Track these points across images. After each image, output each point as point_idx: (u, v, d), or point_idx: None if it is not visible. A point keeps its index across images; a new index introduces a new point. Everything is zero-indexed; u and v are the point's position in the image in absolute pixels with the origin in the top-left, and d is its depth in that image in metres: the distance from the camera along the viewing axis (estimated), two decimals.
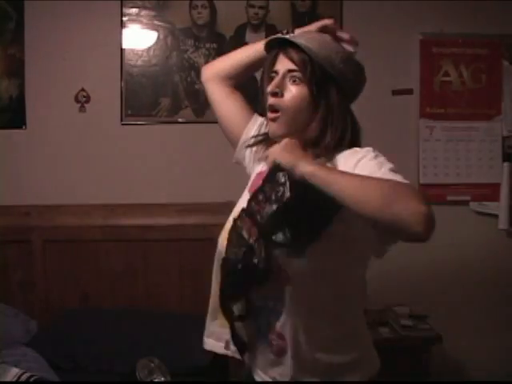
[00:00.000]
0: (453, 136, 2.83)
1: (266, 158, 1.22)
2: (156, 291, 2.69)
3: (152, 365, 2.02)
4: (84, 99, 2.77)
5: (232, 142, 1.53)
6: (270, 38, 1.35)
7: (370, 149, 1.25)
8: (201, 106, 2.78)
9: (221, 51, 2.77)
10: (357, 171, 1.17)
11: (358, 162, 1.20)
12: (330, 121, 1.28)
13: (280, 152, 1.17)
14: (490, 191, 2.82)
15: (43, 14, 2.72)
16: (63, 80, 2.75)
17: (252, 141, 1.44)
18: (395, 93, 2.82)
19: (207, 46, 2.78)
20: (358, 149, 1.28)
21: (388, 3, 2.80)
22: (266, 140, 1.39)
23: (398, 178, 1.13)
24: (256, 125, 1.48)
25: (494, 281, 2.83)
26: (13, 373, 1.86)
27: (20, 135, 2.76)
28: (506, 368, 2.75)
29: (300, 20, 2.78)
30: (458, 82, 2.83)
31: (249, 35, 2.78)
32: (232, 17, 2.78)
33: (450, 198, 2.83)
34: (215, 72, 1.55)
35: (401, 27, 2.80)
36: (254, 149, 1.46)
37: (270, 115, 1.30)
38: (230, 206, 2.80)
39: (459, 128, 2.83)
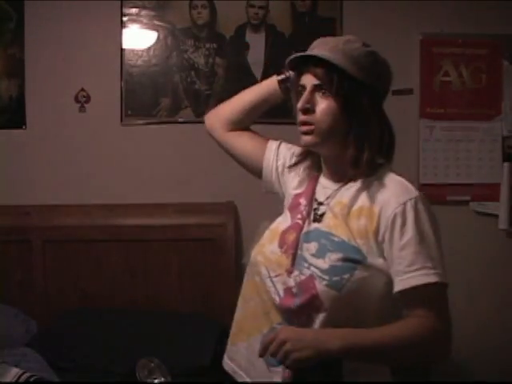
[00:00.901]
0: (453, 136, 2.83)
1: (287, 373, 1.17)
2: (156, 291, 2.68)
3: (152, 365, 2.02)
4: (84, 99, 2.77)
5: (256, 175, 1.52)
6: (290, 58, 1.29)
7: (415, 195, 1.20)
8: (201, 106, 2.78)
9: (221, 51, 2.77)
10: (396, 235, 1.17)
11: (397, 217, 1.17)
12: (367, 134, 1.23)
13: (293, 351, 1.09)
14: (490, 191, 2.82)
15: (43, 14, 2.72)
16: (63, 80, 2.75)
17: (294, 160, 1.40)
18: (395, 93, 2.79)
19: (207, 45, 2.78)
20: (405, 183, 1.23)
21: (388, 3, 2.79)
22: (304, 158, 1.38)
23: (433, 274, 1.15)
24: (272, 152, 1.46)
25: (494, 281, 2.83)
26: (13, 373, 1.86)
27: (20, 135, 2.76)
28: (506, 368, 2.75)
29: (300, 20, 2.79)
30: (457, 82, 2.83)
31: (249, 35, 2.78)
32: (232, 17, 2.78)
33: (449, 197, 2.82)
34: (217, 120, 1.53)
35: (401, 27, 2.80)
36: (280, 170, 1.45)
37: (303, 128, 1.26)
38: (230, 206, 2.82)
39: (459, 128, 2.83)
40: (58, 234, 2.67)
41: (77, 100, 2.77)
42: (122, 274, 2.68)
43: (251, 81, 2.72)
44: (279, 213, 1.42)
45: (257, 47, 2.77)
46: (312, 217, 1.30)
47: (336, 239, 1.22)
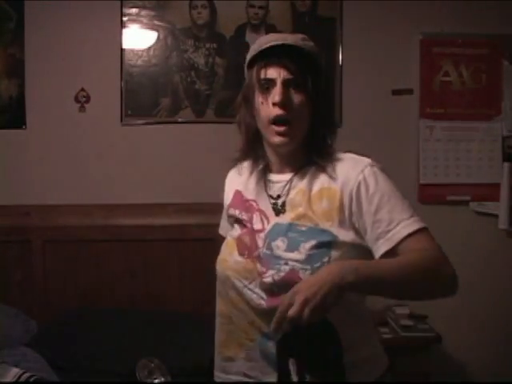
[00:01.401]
0: (453, 136, 2.83)
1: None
2: (156, 291, 2.69)
3: (152, 365, 2.02)
4: (84, 99, 2.77)
5: None
6: (263, 47, 1.24)
7: (368, 162, 1.25)
8: (201, 106, 2.78)
9: (221, 51, 2.77)
10: (364, 203, 1.21)
11: (360, 187, 1.21)
12: (329, 126, 1.31)
13: (308, 299, 1.03)
14: (489, 191, 2.82)
15: (43, 13, 2.72)
16: (63, 80, 2.75)
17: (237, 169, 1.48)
18: (395, 93, 2.82)
19: (207, 45, 2.78)
20: (355, 156, 1.28)
21: (388, 3, 2.80)
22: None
23: (408, 214, 1.20)
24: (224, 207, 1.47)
25: (494, 281, 2.83)
26: (13, 373, 1.86)
27: (20, 135, 2.76)
28: (506, 368, 2.75)
29: (300, 20, 2.79)
30: (457, 82, 2.83)
31: (249, 35, 2.78)
32: (232, 17, 2.78)
33: (449, 198, 2.83)
34: None
35: (401, 27, 2.80)
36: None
37: (278, 129, 1.24)
38: None
39: (459, 128, 2.83)
40: (58, 234, 2.67)
41: (77, 100, 2.77)
42: (122, 274, 2.69)
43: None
44: None
45: None
46: (273, 213, 1.30)
47: (303, 228, 1.23)
